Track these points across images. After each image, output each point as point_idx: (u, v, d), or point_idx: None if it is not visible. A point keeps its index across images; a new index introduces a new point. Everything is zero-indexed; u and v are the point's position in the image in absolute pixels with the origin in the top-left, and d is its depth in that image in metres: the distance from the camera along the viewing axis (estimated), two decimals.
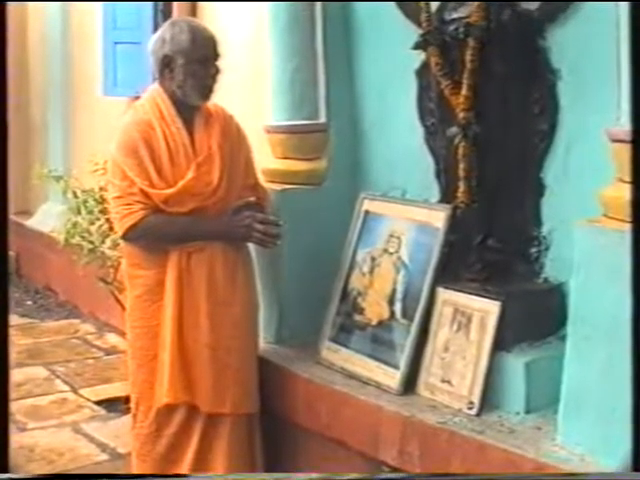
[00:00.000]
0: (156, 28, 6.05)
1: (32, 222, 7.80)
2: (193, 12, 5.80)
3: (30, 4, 7.98)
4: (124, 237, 3.59)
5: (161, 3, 6.21)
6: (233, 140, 3.73)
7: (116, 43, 6.50)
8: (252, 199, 3.76)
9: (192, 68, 3.58)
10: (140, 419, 3.70)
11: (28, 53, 8.34)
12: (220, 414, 3.65)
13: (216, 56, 3.64)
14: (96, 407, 5.25)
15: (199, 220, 3.61)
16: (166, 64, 3.60)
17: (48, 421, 5.02)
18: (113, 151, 3.62)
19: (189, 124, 3.65)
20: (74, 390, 5.48)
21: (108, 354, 6.16)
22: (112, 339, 6.42)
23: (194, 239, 3.59)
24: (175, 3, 5.95)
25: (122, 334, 6.23)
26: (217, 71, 3.64)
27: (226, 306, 3.63)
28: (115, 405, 5.24)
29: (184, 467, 3.65)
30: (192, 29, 3.62)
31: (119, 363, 5.88)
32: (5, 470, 2.40)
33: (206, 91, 3.64)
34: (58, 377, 5.67)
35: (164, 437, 3.66)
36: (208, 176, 3.59)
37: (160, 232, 3.57)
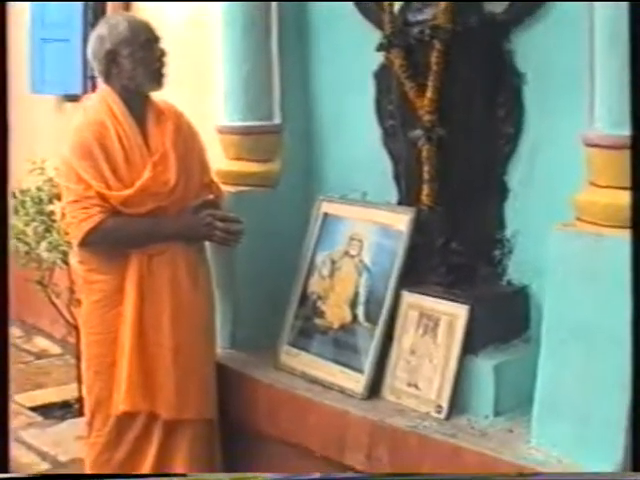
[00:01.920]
0: (85, 25, 5.98)
1: None
2: (127, 7, 5.68)
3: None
4: (82, 242, 3.48)
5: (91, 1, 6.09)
6: (186, 138, 3.67)
7: (44, 40, 6.35)
8: (210, 197, 3.71)
9: (138, 55, 3.51)
10: (97, 427, 3.61)
11: None
12: (181, 420, 3.57)
13: (157, 38, 3.59)
14: (31, 413, 5.12)
15: (159, 221, 3.54)
16: (111, 59, 3.52)
17: None
18: (66, 154, 3.52)
19: (141, 122, 3.58)
20: None
21: (39, 358, 6.03)
22: (41, 343, 6.29)
23: (155, 241, 3.51)
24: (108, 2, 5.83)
25: (51, 337, 6.14)
26: (163, 53, 3.59)
27: (188, 309, 3.57)
28: (51, 411, 5.12)
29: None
30: (127, 19, 3.60)
31: (51, 367, 5.80)
32: (5, 470, 2.48)
33: (158, 76, 3.58)
34: None
35: (123, 444, 3.58)
36: (165, 175, 3.52)
37: (120, 235, 3.48)
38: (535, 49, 3.35)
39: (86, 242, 3.48)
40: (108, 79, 3.57)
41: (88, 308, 3.62)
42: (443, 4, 3.37)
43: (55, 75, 6.29)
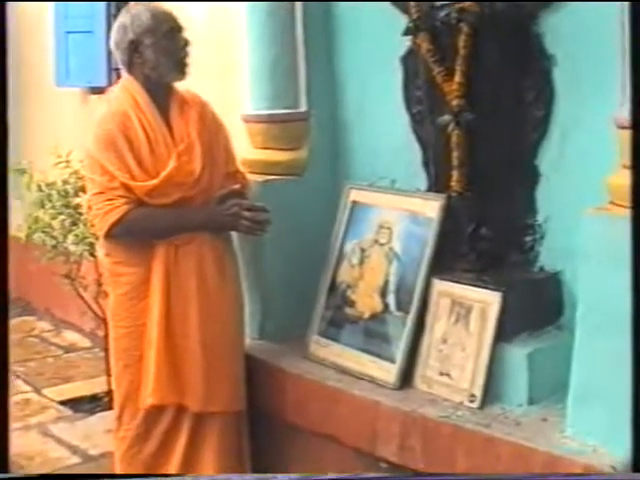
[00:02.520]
0: (109, 17, 5.94)
1: None
2: None
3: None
4: (108, 234, 3.44)
5: None
6: (211, 127, 3.62)
7: (68, 32, 6.32)
8: (236, 187, 3.65)
9: (161, 44, 3.47)
10: (126, 421, 3.58)
11: None
12: (210, 412, 3.54)
13: (180, 28, 3.54)
14: (61, 407, 5.11)
15: (185, 211, 3.50)
16: (134, 49, 3.48)
17: (13, 424, 4.84)
18: (90, 146, 3.47)
19: (165, 112, 3.53)
20: (37, 390, 5.32)
21: (67, 352, 6.02)
22: (70, 336, 6.27)
23: (181, 231, 3.47)
24: None
25: (80, 331, 6.13)
26: (186, 43, 3.54)
27: (216, 300, 3.53)
28: (80, 404, 5.11)
29: (172, 467, 3.55)
30: (149, 8, 3.53)
31: (80, 361, 5.79)
32: (5, 470, 2.47)
33: (181, 65, 3.54)
34: (19, 377, 5.49)
35: (153, 438, 3.55)
36: (190, 165, 3.48)
37: (145, 226, 3.45)
38: (564, 30, 3.29)
39: (111, 234, 3.44)
40: (131, 69, 3.53)
41: (115, 301, 3.58)
42: None
43: (79, 67, 6.24)
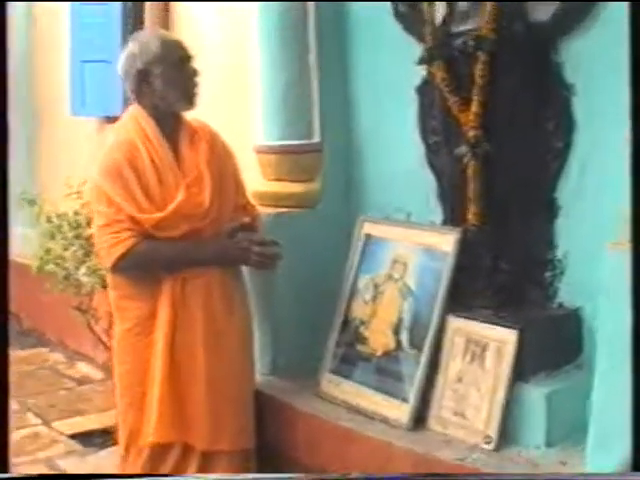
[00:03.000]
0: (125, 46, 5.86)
1: None
2: (166, 26, 5.58)
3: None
4: (114, 267, 3.35)
5: (130, 22, 5.99)
6: (221, 158, 3.54)
7: (84, 62, 6.26)
8: (247, 220, 3.57)
9: (170, 74, 3.39)
10: (131, 460, 3.48)
11: None
12: (217, 451, 3.44)
13: (190, 57, 3.46)
14: (71, 441, 4.99)
15: (193, 244, 3.40)
16: (142, 78, 3.40)
17: (21, 457, 4.75)
18: (96, 176, 3.39)
19: (174, 142, 3.45)
20: (47, 423, 5.21)
21: (80, 384, 5.89)
22: (83, 368, 6.16)
23: (189, 265, 3.38)
24: (147, 20, 5.72)
25: (93, 362, 6.04)
26: (195, 72, 3.46)
27: (224, 336, 3.43)
28: (91, 438, 4.99)
29: None
30: (159, 36, 3.47)
31: (92, 394, 5.67)
32: (5, 470, 2.45)
33: (190, 94, 3.46)
34: (29, 410, 5.39)
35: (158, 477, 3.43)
36: (199, 197, 3.39)
37: (152, 259, 3.35)
38: (584, 58, 3.21)
39: (117, 268, 3.35)
40: (139, 98, 3.45)
41: (120, 336, 3.49)
42: (487, 13, 3.22)
43: (95, 97, 6.17)
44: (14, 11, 7.05)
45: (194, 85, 3.46)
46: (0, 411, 2.48)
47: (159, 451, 3.42)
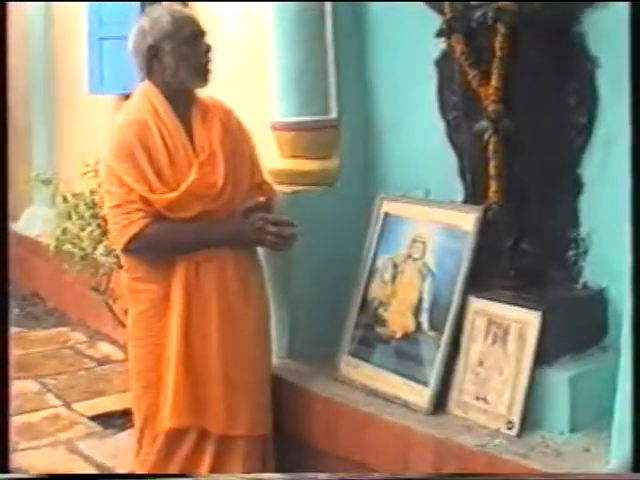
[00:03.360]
0: None
1: (17, 227, 7.50)
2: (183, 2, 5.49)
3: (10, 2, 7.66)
4: (125, 249, 3.29)
5: None
6: (235, 136, 3.45)
7: (102, 39, 6.18)
8: (262, 199, 3.48)
9: (182, 50, 3.30)
10: (146, 445, 3.42)
11: (9, 52, 8.01)
12: (233, 436, 3.37)
13: (202, 33, 3.37)
14: (91, 423, 4.95)
15: (206, 225, 3.32)
16: (153, 55, 3.32)
17: (41, 440, 4.71)
18: (107, 156, 3.32)
19: (186, 121, 3.37)
20: (67, 405, 5.17)
21: (101, 364, 5.86)
22: (104, 348, 6.12)
23: (202, 246, 3.31)
24: None
25: (114, 343, 6.01)
26: (209, 48, 3.37)
27: (238, 319, 3.36)
28: (111, 420, 4.95)
29: None
30: (170, 11, 3.35)
31: (113, 374, 5.65)
32: (5, 470, 2.47)
33: (203, 71, 3.37)
34: (50, 391, 5.36)
35: (174, 463, 3.38)
36: (212, 177, 3.31)
37: (164, 241, 3.28)
38: (608, 30, 3.07)
39: (129, 249, 3.28)
40: (150, 75, 3.37)
41: (135, 319, 3.43)
42: None
43: (113, 74, 6.10)
44: None
45: (207, 61, 3.37)
46: (0, 412, 2.51)
47: (175, 436, 3.37)
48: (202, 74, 3.36)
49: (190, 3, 5.16)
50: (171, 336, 3.29)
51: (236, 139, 3.44)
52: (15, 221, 7.56)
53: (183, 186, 3.25)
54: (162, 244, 3.28)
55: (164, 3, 3.49)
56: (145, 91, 3.38)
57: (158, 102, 3.32)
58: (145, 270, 3.36)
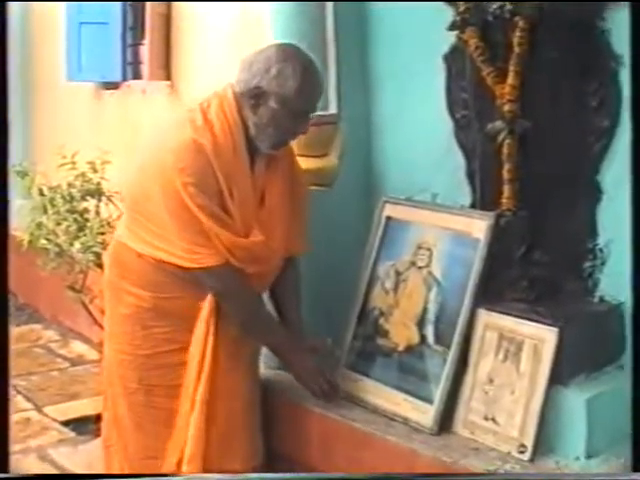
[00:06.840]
0: (125, 7, 5.65)
1: None
2: None
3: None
4: (205, 270, 3.01)
5: None
6: (294, 185, 3.24)
7: (81, 23, 6.00)
8: (329, 342, 3.40)
9: (281, 117, 3.00)
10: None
11: None
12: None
13: (313, 110, 3.10)
14: (64, 428, 4.75)
15: (275, 325, 3.30)
16: (254, 95, 2.99)
17: (13, 446, 4.49)
18: (169, 168, 2.93)
19: (251, 159, 3.10)
20: (38, 408, 4.97)
21: (74, 365, 5.68)
22: (78, 347, 5.95)
23: (253, 333, 3.23)
24: None
25: (88, 342, 5.82)
26: (304, 128, 3.09)
27: (240, 345, 3.22)
28: (85, 425, 4.75)
29: None
30: (304, 74, 2.99)
31: (87, 375, 5.50)
32: (5, 470, 2.44)
33: (282, 144, 3.10)
34: (19, 393, 5.14)
35: None
36: (272, 241, 3.10)
37: (228, 291, 3.10)
38: (633, 26, 2.90)
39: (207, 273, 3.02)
40: (240, 101, 3.04)
41: (117, 320, 3.20)
42: None
43: (93, 61, 5.96)
44: None
45: (292, 139, 3.14)
46: (0, 410, 2.47)
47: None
48: (279, 146, 3.11)
49: None
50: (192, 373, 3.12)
51: (295, 190, 3.25)
52: None
53: (252, 237, 3.04)
54: (225, 292, 3.09)
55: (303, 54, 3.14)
56: (228, 112, 3.03)
57: (234, 122, 3.02)
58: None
